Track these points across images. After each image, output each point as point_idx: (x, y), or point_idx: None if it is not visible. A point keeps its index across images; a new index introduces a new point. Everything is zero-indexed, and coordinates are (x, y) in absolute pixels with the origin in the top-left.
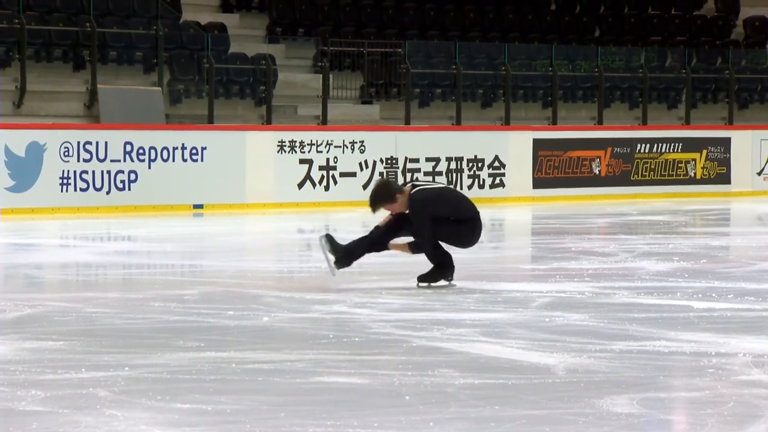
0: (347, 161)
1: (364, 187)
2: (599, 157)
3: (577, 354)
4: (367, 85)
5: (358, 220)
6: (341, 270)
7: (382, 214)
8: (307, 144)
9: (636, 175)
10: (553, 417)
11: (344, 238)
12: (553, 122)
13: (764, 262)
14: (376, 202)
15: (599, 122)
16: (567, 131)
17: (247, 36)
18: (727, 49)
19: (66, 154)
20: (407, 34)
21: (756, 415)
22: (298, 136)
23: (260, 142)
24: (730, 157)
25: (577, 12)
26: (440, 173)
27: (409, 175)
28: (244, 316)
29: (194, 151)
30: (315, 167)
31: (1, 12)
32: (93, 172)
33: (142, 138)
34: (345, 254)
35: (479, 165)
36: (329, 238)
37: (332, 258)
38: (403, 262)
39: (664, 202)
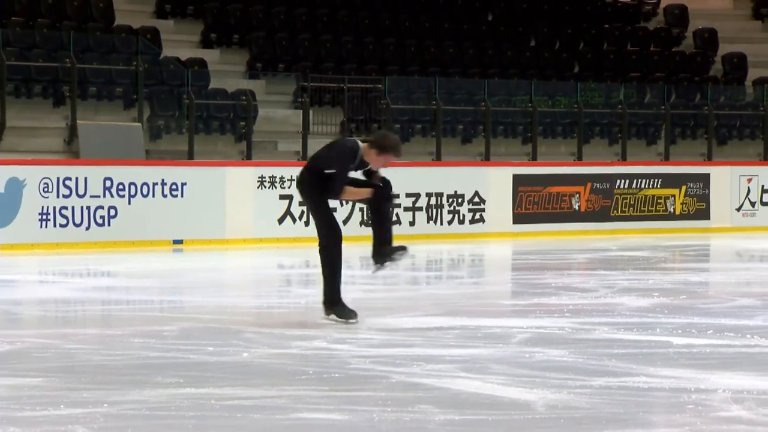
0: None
1: (344, 222)
2: (579, 193)
3: (557, 390)
4: (347, 120)
5: None
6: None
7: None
8: (288, 179)
9: (615, 211)
10: None
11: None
12: (533, 158)
13: (743, 298)
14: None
15: (579, 158)
16: (547, 167)
17: (227, 71)
18: (706, 86)
19: (45, 189)
20: (387, 70)
21: None
22: (278, 171)
23: (240, 178)
24: (709, 193)
25: (556, 48)
26: (420, 209)
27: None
28: (223, 352)
29: (174, 186)
30: (295, 203)
31: None
32: (72, 207)
33: (122, 174)
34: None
35: (459, 201)
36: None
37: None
38: (383, 298)
39: (644, 238)
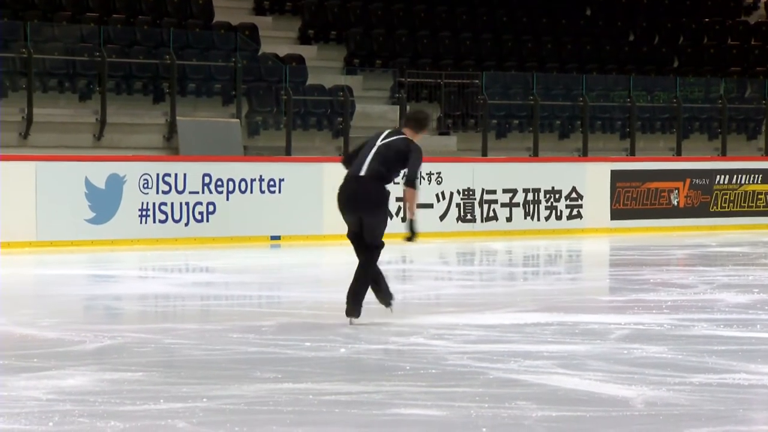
0: (424, 192)
1: (441, 218)
2: (678, 189)
3: (655, 387)
4: (444, 116)
5: (435, 252)
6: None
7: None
8: None
9: (715, 207)
10: None
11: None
12: (631, 153)
13: None
14: (411, 120)
15: (678, 153)
16: (645, 162)
17: (324, 67)
18: None
19: (145, 185)
20: (484, 65)
21: None
22: None
23: (337, 174)
24: None
25: (655, 43)
26: (517, 204)
27: (486, 206)
28: (321, 348)
29: (272, 182)
30: (392, 199)
31: (82, 45)
32: (172, 203)
33: (221, 170)
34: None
35: (556, 196)
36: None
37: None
38: (480, 294)
39: (744, 234)
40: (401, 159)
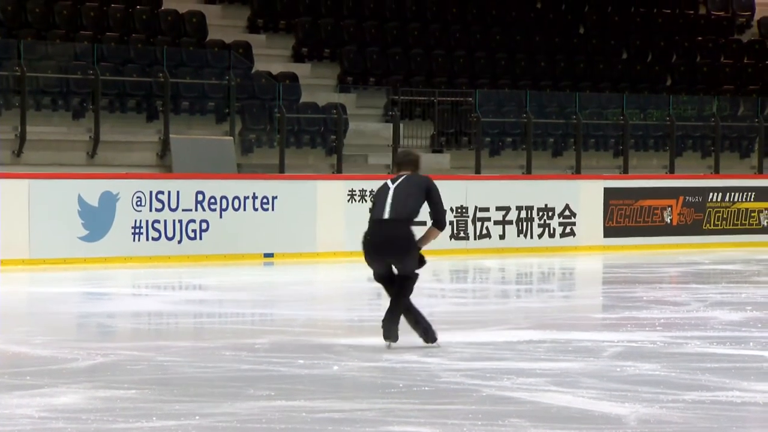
0: None
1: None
2: (671, 206)
3: (648, 404)
4: (437, 133)
5: (428, 269)
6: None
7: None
8: None
9: (708, 225)
10: None
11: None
12: (625, 171)
13: None
14: (410, 162)
15: (671, 171)
16: (638, 180)
17: (318, 85)
18: None
19: (138, 203)
20: (478, 83)
21: None
22: (368, 185)
23: (331, 191)
24: None
25: (648, 61)
26: (510, 222)
27: (479, 224)
28: (314, 365)
29: (265, 200)
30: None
31: (76, 63)
32: (165, 221)
33: (214, 187)
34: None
35: (550, 214)
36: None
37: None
38: (473, 311)
39: (737, 252)
40: (422, 191)
